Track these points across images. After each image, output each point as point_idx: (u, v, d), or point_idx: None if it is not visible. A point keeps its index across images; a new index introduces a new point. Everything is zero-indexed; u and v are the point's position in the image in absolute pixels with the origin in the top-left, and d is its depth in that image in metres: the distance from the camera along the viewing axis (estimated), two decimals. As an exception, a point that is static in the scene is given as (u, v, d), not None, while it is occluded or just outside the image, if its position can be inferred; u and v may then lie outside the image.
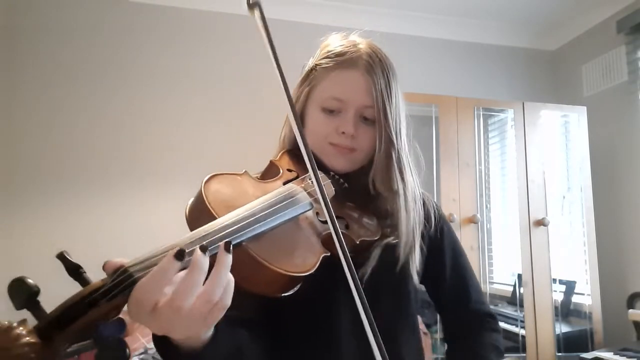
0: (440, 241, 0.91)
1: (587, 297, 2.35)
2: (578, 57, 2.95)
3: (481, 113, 2.44)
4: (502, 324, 2.29)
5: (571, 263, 2.45)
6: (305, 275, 0.58)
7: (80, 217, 2.35)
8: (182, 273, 0.43)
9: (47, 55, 2.44)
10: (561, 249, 2.42)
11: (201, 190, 0.60)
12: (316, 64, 0.83)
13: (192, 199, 0.61)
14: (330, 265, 0.61)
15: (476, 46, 3.06)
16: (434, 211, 0.91)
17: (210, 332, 0.53)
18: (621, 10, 2.61)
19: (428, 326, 2.15)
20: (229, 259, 0.46)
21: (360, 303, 0.53)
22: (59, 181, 2.36)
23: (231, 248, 0.46)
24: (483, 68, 3.05)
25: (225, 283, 0.45)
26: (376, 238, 0.76)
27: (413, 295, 0.83)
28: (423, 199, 0.89)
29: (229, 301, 0.46)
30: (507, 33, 3.07)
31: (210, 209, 0.57)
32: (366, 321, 0.52)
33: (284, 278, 0.56)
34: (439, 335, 2.17)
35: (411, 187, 0.82)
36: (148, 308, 0.42)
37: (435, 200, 0.95)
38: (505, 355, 2.26)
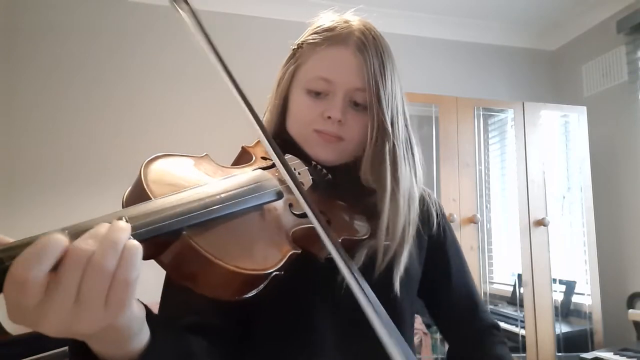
0: (443, 244, 0.82)
1: (587, 297, 2.35)
2: (578, 57, 2.95)
3: (481, 113, 2.44)
4: (502, 324, 2.31)
5: (571, 263, 2.45)
6: (266, 274, 0.48)
7: (81, 215, 2.34)
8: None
9: (47, 55, 2.43)
10: (561, 249, 2.41)
11: (140, 171, 0.48)
12: (303, 41, 0.75)
13: (130, 186, 0.50)
14: (307, 264, 0.52)
15: (476, 46, 3.06)
16: (436, 209, 0.82)
17: (142, 340, 0.44)
18: (621, 10, 2.61)
19: (428, 326, 2.14)
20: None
21: (365, 302, 0.44)
22: (58, 179, 2.36)
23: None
24: (483, 68, 3.05)
25: (119, 246, 0.36)
26: (363, 237, 0.67)
27: (407, 306, 0.73)
28: (422, 196, 0.79)
29: (132, 272, 0.36)
30: (507, 33, 3.07)
31: (148, 191, 0.46)
32: (378, 322, 0.42)
33: (237, 277, 0.45)
34: (438, 336, 2.17)
35: (405, 184, 0.71)
36: (34, 291, 0.32)
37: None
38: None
